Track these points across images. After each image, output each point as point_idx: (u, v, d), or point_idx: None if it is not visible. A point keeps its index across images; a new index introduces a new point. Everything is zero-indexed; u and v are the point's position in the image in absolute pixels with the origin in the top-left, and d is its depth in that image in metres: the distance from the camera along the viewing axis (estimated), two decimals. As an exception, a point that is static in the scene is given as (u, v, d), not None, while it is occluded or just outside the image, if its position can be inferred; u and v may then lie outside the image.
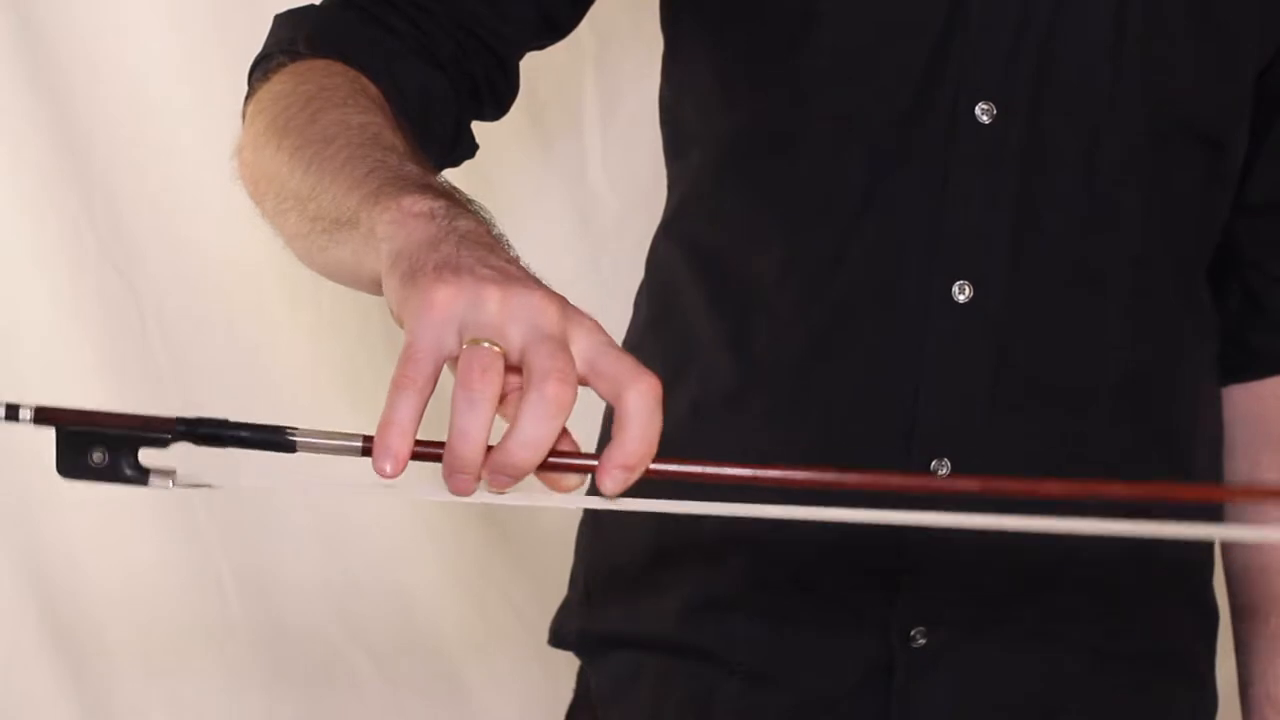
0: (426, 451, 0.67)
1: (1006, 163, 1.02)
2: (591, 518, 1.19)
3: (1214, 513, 1.11)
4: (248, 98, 0.99)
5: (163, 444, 0.68)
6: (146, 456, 0.68)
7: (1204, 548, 1.15)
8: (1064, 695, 1.08)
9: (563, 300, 0.69)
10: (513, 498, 0.69)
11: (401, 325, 0.70)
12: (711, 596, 1.09)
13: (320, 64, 0.96)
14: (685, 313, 1.10)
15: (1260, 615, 1.17)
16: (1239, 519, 1.13)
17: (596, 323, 0.69)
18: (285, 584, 1.70)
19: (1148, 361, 1.08)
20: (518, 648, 1.72)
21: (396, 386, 0.67)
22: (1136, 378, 1.07)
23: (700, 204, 1.12)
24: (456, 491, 0.68)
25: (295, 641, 1.71)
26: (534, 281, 0.70)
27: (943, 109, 1.02)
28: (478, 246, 0.72)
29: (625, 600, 1.14)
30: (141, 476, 0.68)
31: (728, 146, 1.09)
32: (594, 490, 0.70)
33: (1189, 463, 1.11)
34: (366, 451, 0.67)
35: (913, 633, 1.06)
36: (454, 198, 0.77)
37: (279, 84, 0.95)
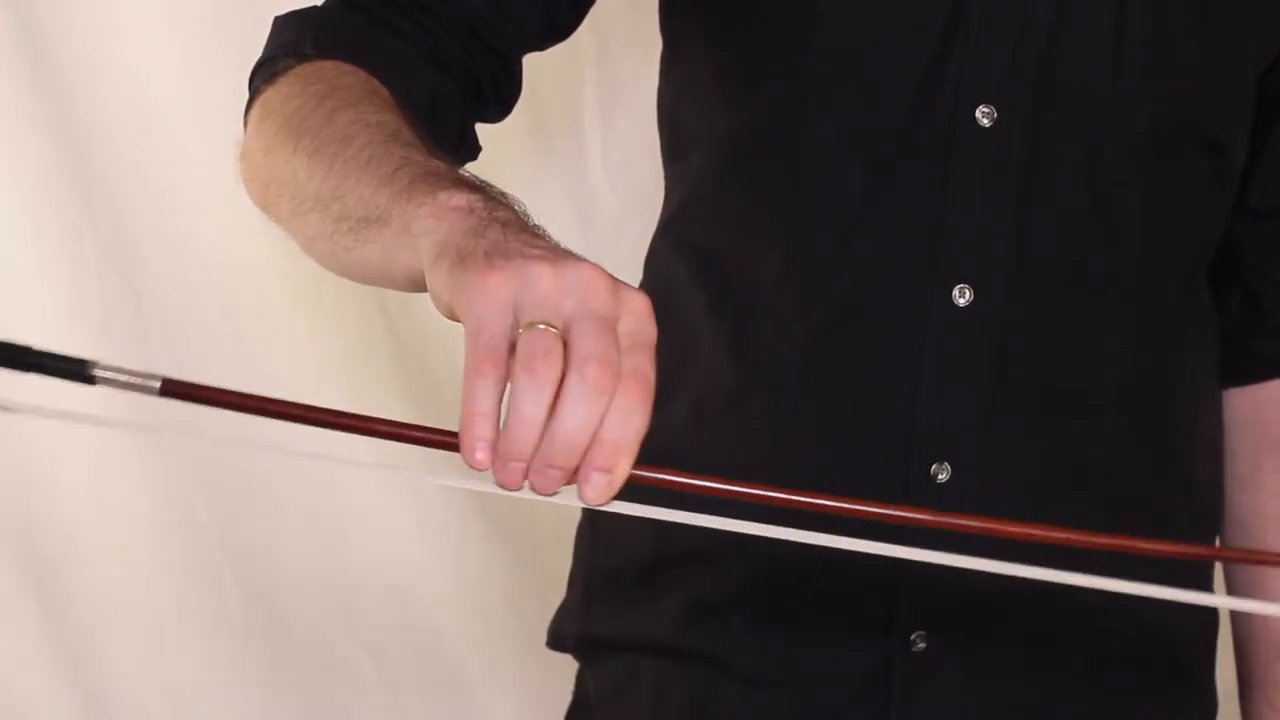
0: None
1: (1007, 165, 1.02)
2: (590, 520, 1.19)
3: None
4: (250, 101, 0.98)
5: None
6: None
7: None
8: (1064, 698, 1.08)
9: (612, 277, 0.68)
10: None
11: (450, 315, 0.70)
12: (711, 599, 1.09)
13: (329, 65, 0.95)
14: (685, 313, 1.10)
15: (1261, 619, 1.17)
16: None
17: (647, 305, 0.68)
18: (286, 583, 1.70)
19: (1148, 362, 1.08)
20: (518, 648, 1.72)
21: (477, 374, 0.65)
22: (1137, 378, 1.07)
23: (700, 205, 1.12)
24: (505, 483, 0.66)
25: (295, 641, 1.71)
26: (582, 259, 0.69)
27: (943, 111, 1.02)
28: (522, 232, 0.71)
29: (624, 603, 1.13)
30: None
31: (728, 147, 1.09)
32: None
33: (1189, 464, 1.11)
34: (165, 392, 0.65)
35: (913, 636, 1.05)
36: (487, 191, 0.76)
37: (287, 86, 0.94)
